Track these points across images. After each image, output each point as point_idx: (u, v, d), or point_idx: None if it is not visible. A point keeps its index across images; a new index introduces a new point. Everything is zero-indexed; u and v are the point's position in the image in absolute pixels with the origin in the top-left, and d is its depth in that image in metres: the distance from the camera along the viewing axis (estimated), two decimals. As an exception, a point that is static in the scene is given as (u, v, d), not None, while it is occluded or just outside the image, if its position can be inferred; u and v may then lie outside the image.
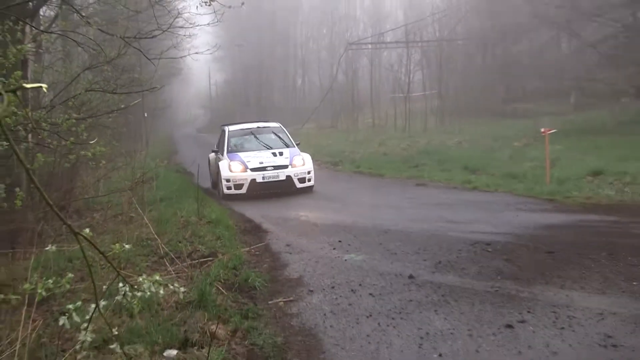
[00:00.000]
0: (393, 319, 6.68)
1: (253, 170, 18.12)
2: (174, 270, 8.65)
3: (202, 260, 9.46)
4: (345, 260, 9.57)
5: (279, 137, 20.26)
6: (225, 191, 18.18)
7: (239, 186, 18.06)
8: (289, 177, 18.17)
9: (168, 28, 11.93)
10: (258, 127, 20.90)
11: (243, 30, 74.97)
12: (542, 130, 16.39)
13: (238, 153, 19.07)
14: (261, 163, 18.27)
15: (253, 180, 18.01)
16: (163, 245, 9.74)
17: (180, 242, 10.74)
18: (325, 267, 9.27)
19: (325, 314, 7.06)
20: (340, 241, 10.94)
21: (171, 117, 76.99)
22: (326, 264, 9.45)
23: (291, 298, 7.83)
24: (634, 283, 7.14)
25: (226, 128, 20.91)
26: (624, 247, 8.82)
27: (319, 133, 46.52)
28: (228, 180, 18.16)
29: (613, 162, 17.00)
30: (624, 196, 13.22)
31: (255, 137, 20.17)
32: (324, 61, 75.01)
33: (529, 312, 6.50)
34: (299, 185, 18.25)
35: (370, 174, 22.61)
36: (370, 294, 7.64)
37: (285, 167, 18.29)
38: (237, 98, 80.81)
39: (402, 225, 11.97)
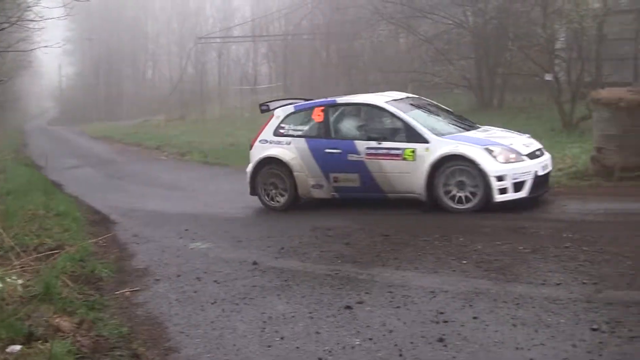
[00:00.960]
0: (237, 304, 6.66)
1: (530, 156, 10.88)
2: (19, 265, 8.26)
3: (49, 253, 9.04)
4: (192, 248, 9.50)
5: (434, 113, 12.45)
6: (498, 197, 10.36)
7: (518, 185, 10.50)
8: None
9: (17, 21, 11.42)
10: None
11: (93, 24, 73.44)
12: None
13: (463, 134, 11.47)
14: (526, 146, 11.11)
15: (535, 174, 10.69)
16: (9, 239, 9.29)
17: (27, 235, 10.25)
18: (172, 256, 9.17)
19: (170, 302, 6.97)
20: (186, 230, 10.83)
21: (22, 110, 74.21)
22: (172, 253, 9.36)
23: (137, 288, 7.68)
24: (464, 262, 7.38)
25: (381, 102, 11.85)
26: (455, 229, 9.12)
27: (168, 124, 45.62)
28: (501, 179, 10.38)
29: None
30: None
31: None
32: (174, 54, 74.17)
33: (367, 293, 6.60)
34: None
35: (218, 164, 22.16)
36: (215, 281, 7.60)
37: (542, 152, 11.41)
38: (87, 90, 79.24)
39: (249, 213, 11.99)
